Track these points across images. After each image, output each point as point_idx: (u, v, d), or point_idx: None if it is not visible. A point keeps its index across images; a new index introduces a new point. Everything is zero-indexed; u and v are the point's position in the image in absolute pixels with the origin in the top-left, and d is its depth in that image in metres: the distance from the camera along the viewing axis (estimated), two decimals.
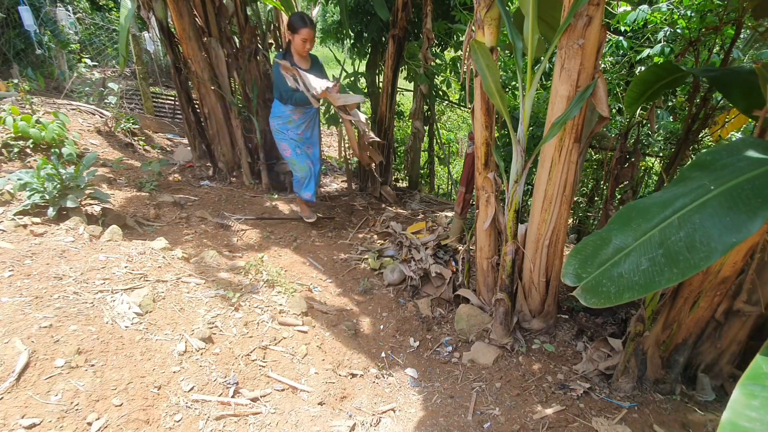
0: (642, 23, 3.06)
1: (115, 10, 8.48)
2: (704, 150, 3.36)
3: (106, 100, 5.24)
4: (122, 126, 4.98)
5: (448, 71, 4.64)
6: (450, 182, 6.70)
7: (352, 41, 5.11)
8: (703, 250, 1.14)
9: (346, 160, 5.16)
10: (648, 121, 3.11)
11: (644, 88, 2.42)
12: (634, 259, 1.25)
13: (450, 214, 4.05)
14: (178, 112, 6.43)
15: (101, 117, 4.97)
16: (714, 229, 1.14)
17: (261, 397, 1.89)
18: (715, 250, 1.13)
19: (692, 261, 1.14)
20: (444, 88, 5.12)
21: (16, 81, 4.63)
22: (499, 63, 3.41)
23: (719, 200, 1.18)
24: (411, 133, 5.07)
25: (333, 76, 5.13)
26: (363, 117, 3.25)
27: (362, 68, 4.97)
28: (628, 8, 3.29)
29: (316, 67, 3.40)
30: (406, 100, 8.33)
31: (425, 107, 4.99)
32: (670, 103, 3.90)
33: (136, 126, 5.24)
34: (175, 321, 2.06)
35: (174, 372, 1.82)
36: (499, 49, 2.10)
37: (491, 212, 2.40)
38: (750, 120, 2.78)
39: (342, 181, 5.44)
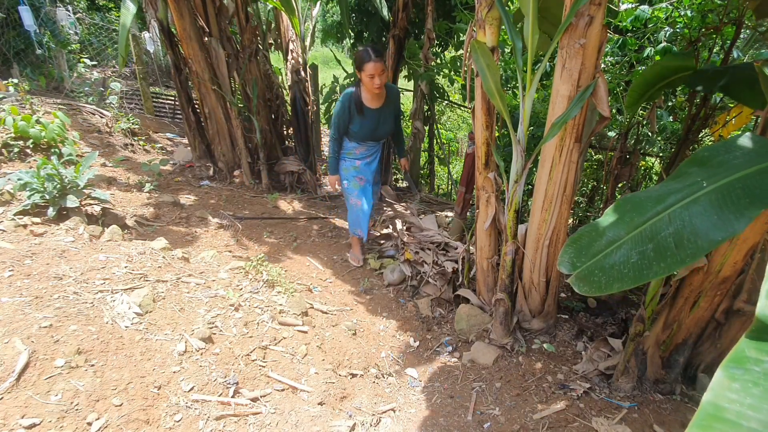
0: (642, 22, 3.06)
1: (114, 10, 8.49)
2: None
3: (106, 100, 5.24)
4: (122, 126, 4.98)
5: (448, 70, 4.65)
6: (450, 182, 6.70)
7: (352, 41, 5.11)
8: (690, 247, 1.16)
9: None
10: (648, 121, 3.11)
11: (646, 89, 2.41)
12: (625, 251, 1.28)
13: (450, 214, 4.05)
14: (178, 112, 6.43)
15: (101, 117, 4.97)
16: (702, 226, 1.16)
17: (261, 397, 1.89)
18: (701, 247, 1.15)
19: (679, 257, 1.17)
20: (445, 86, 5.12)
21: (16, 81, 4.63)
22: (500, 63, 3.41)
23: (709, 198, 1.19)
24: (411, 133, 5.07)
25: (333, 76, 5.13)
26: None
27: None
28: (630, 7, 3.29)
29: (391, 100, 2.86)
30: (406, 99, 8.32)
31: (425, 107, 4.99)
32: (670, 103, 3.90)
33: (136, 126, 5.25)
34: (175, 321, 2.06)
35: (174, 372, 1.82)
36: (499, 49, 2.10)
37: (491, 212, 2.40)
38: (751, 119, 2.78)
39: None
